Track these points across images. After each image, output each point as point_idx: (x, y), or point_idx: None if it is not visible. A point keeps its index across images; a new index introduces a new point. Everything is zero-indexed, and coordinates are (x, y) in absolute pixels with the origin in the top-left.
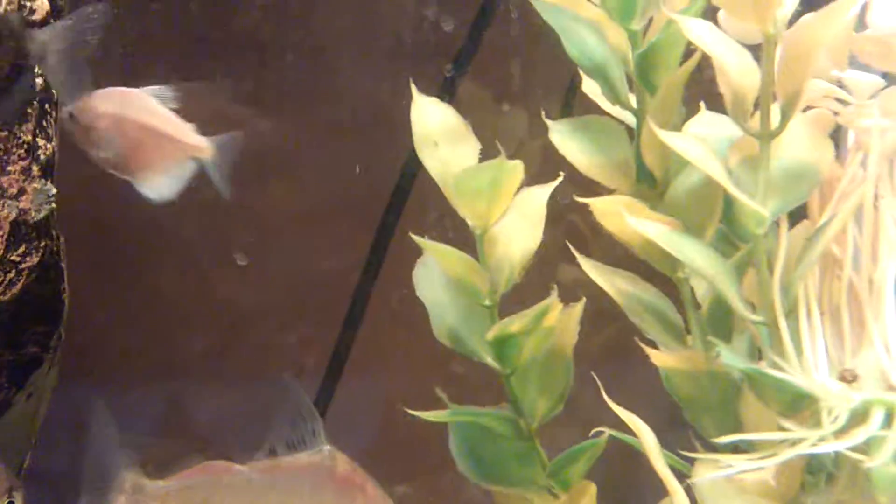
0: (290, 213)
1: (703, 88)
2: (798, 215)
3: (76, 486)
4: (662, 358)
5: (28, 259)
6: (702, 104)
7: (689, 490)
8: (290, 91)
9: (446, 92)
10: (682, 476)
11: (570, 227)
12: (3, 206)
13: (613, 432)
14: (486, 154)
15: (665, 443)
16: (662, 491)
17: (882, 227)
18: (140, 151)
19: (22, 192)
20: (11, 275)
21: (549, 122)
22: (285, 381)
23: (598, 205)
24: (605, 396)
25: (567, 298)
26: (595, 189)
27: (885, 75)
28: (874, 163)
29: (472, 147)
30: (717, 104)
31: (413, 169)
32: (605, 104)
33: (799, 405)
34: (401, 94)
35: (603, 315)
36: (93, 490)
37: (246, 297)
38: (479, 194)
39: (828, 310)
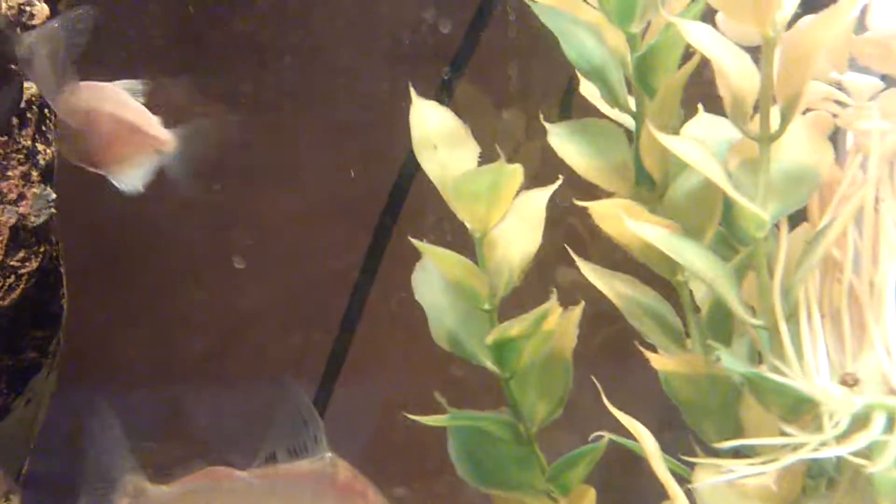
0: (288, 215)
1: (699, 90)
2: (796, 218)
3: (74, 492)
4: (662, 362)
5: (28, 264)
6: (699, 106)
7: (688, 494)
8: (289, 93)
9: (443, 94)
10: (681, 480)
11: (568, 230)
12: (3, 211)
13: (613, 436)
14: (484, 157)
15: (662, 445)
16: (661, 495)
17: (883, 229)
18: (112, 145)
19: (21, 197)
20: (11, 280)
21: (547, 125)
22: (287, 384)
23: (597, 208)
24: (605, 401)
25: (564, 301)
26: (593, 192)
27: (883, 77)
28: (875, 165)
29: (472, 150)
30: (714, 106)
31: (411, 171)
32: (603, 107)
33: (800, 409)
34: (399, 96)
35: (601, 317)
36: (93, 491)
37: (244, 300)
38: (479, 198)
39: (828, 313)
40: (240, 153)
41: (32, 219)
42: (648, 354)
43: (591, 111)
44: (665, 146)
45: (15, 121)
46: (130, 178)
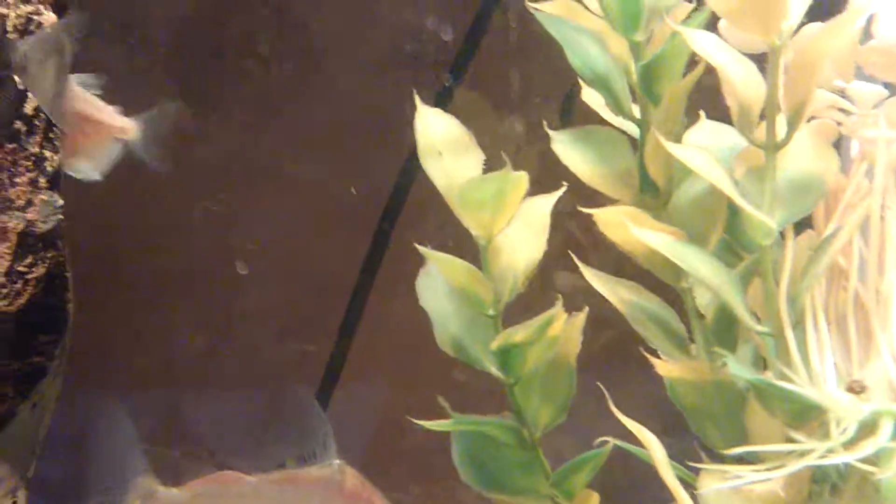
0: (287, 220)
1: (702, 97)
2: (800, 225)
3: (79, 495)
4: (667, 368)
5: (35, 270)
6: (701, 113)
7: (694, 500)
8: (289, 99)
9: (444, 100)
10: (686, 485)
11: (566, 235)
12: (11, 217)
13: (618, 442)
14: (486, 163)
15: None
16: (662, 500)
17: (888, 237)
18: (71, 138)
19: (29, 203)
20: (18, 285)
21: (551, 133)
22: (296, 391)
23: (601, 215)
24: (610, 406)
25: (565, 306)
26: (596, 198)
27: (887, 85)
28: (880, 174)
29: (476, 158)
30: (715, 112)
31: (410, 177)
32: (606, 113)
33: (806, 416)
34: (399, 103)
35: (602, 322)
36: (104, 492)
37: (243, 305)
38: (484, 205)
39: (834, 321)
40: (240, 159)
41: (40, 225)
42: (654, 361)
43: (591, 117)
44: (669, 153)
45: (23, 128)
46: (86, 168)
